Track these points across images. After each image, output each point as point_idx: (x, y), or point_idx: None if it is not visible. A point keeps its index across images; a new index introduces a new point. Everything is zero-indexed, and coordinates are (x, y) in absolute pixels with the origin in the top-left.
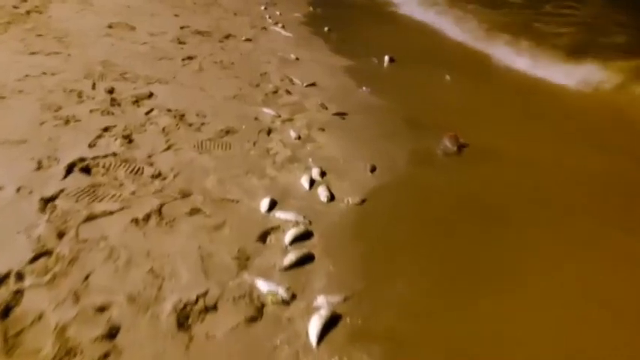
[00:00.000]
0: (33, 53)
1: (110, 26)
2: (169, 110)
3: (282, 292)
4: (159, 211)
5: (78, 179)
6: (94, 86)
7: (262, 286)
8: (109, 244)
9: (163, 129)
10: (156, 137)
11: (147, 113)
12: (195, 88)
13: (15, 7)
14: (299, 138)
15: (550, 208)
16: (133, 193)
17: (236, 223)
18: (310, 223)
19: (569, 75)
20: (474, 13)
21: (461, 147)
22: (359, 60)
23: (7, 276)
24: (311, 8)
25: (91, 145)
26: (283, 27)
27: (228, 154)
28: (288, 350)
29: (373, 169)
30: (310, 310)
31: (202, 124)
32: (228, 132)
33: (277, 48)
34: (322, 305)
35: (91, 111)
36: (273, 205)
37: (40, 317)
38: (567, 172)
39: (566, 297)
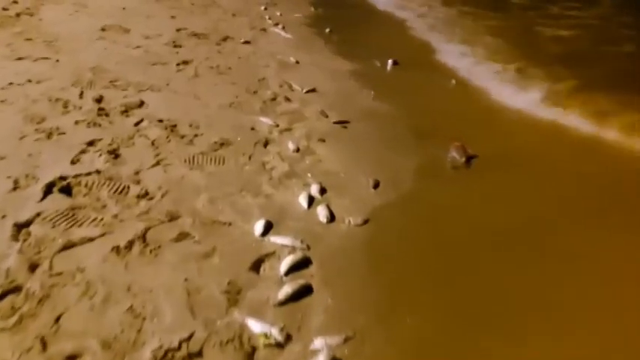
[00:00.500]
0: (19, 59)
1: (103, 29)
2: (160, 121)
3: (275, 333)
4: (143, 237)
5: (57, 201)
6: (81, 95)
7: (254, 326)
8: (85, 278)
9: (153, 142)
10: (144, 151)
11: (136, 124)
12: (190, 95)
13: (4, 9)
14: (297, 150)
15: (577, 226)
16: (116, 216)
17: (227, 250)
18: (308, 247)
19: None
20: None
21: (469, 158)
22: (361, 63)
23: None
24: (312, 8)
25: (73, 162)
26: (283, 28)
27: (221, 170)
28: None
29: (376, 185)
30: (307, 355)
31: (195, 135)
32: (222, 144)
33: (277, 51)
34: (320, 348)
35: (76, 122)
36: (268, 228)
37: None
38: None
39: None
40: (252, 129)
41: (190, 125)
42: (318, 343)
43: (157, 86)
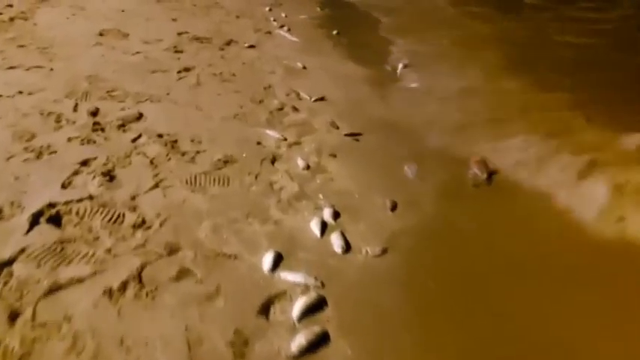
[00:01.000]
0: (11, 68)
1: (101, 33)
2: (160, 136)
3: None
4: (139, 276)
5: (44, 233)
6: (75, 107)
7: None
8: (72, 329)
9: (152, 160)
10: (142, 171)
11: (134, 140)
12: (191, 106)
13: None
14: (307, 167)
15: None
16: (109, 250)
17: (233, 290)
18: (323, 285)
19: None
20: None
21: (491, 174)
22: (371, 67)
23: None
24: (318, 9)
25: (64, 185)
26: (289, 30)
27: (225, 192)
28: None
29: (394, 207)
30: None
31: (197, 152)
32: (226, 162)
33: (283, 55)
34: None
35: (69, 139)
36: (278, 262)
37: None
38: None
39: None
40: (259, 143)
41: (192, 140)
42: None
43: (156, 96)
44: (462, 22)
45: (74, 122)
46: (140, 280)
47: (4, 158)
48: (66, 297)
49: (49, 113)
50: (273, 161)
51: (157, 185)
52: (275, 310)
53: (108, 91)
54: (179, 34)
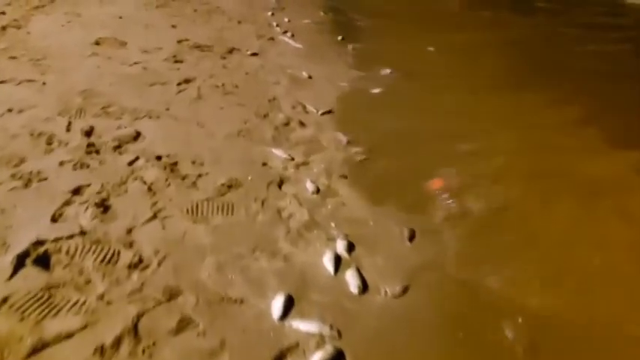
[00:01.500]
0: (1, 82)
1: (97, 42)
2: (158, 158)
3: None
4: (134, 328)
5: (30, 277)
6: (69, 126)
7: None
8: None
9: (149, 187)
10: (139, 200)
11: (130, 163)
12: (192, 122)
13: None
14: (317, 191)
15: None
16: (102, 296)
17: (239, 343)
18: (339, 334)
19: None
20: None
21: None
22: (376, 74)
23: None
24: (322, 13)
25: (54, 218)
26: (293, 36)
27: (230, 222)
28: None
29: (412, 236)
30: None
31: (199, 175)
32: (230, 186)
33: (287, 63)
34: None
35: (61, 164)
36: (288, 306)
37: None
38: None
39: None
40: (264, 164)
41: (193, 162)
42: None
43: (155, 112)
44: (472, 26)
45: (67, 144)
46: (136, 334)
47: None
48: (52, 357)
49: (40, 134)
50: (280, 184)
51: (155, 216)
52: None
53: (103, 107)
54: (179, 41)
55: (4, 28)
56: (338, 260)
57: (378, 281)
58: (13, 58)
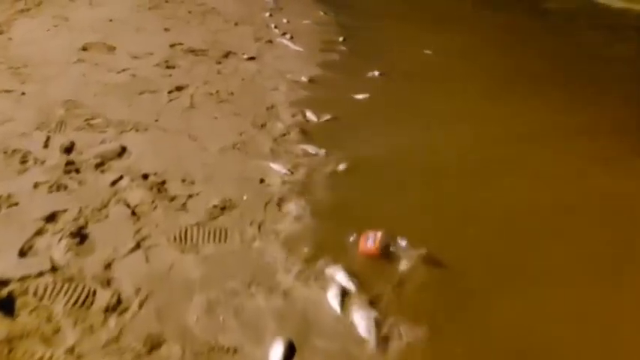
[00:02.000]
0: None
1: (84, 48)
2: (145, 177)
3: None
4: None
5: None
6: (47, 142)
7: None
8: None
9: (133, 210)
10: (121, 227)
11: (113, 183)
12: (183, 135)
13: None
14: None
15: None
16: (72, 350)
17: None
18: None
19: None
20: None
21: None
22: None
23: None
24: (322, 13)
25: (23, 252)
26: (292, 38)
27: (222, 251)
28: None
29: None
30: None
31: (189, 196)
32: (224, 208)
33: (285, 68)
34: None
35: (35, 185)
36: (289, 356)
37: None
38: None
39: None
40: (262, 181)
41: (183, 180)
42: None
43: (143, 124)
44: (483, 29)
45: (43, 162)
46: None
47: None
48: None
49: (14, 151)
50: (279, 203)
51: (138, 246)
52: None
53: (87, 120)
54: (172, 45)
55: None
56: (344, 294)
57: (391, 321)
58: None
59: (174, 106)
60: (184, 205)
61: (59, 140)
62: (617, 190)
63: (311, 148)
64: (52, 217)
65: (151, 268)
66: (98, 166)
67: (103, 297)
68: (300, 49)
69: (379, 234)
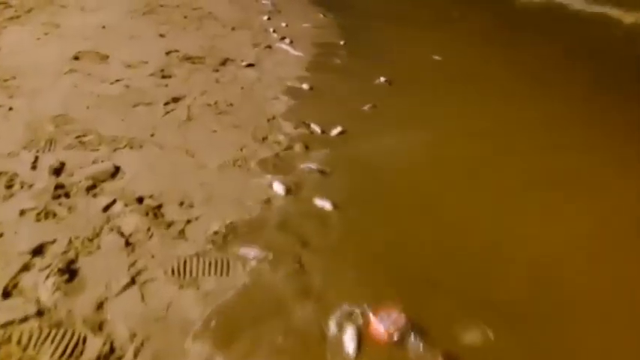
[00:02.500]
0: None
1: (76, 57)
2: (140, 200)
3: None
4: None
5: None
6: (35, 163)
7: None
8: None
9: (127, 240)
10: (114, 259)
11: (106, 209)
12: (180, 151)
13: None
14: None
15: None
16: None
17: None
18: None
19: None
20: None
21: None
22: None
23: None
24: (321, 15)
25: (6, 293)
26: (291, 43)
27: (225, 285)
28: None
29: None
30: None
31: (188, 221)
32: (226, 236)
33: (286, 75)
34: None
35: (22, 213)
36: None
37: None
38: None
39: None
40: (267, 202)
41: (181, 203)
42: None
43: (137, 140)
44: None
45: (31, 186)
46: None
47: None
48: None
49: (0, 174)
50: (282, 227)
51: (133, 281)
52: None
53: (78, 136)
54: (167, 53)
55: None
56: (360, 337)
57: None
58: None
59: (171, 119)
60: (182, 231)
61: (48, 160)
62: None
63: (315, 166)
64: (39, 250)
65: (147, 307)
66: (89, 189)
67: (94, 345)
68: (301, 54)
69: (397, 316)
